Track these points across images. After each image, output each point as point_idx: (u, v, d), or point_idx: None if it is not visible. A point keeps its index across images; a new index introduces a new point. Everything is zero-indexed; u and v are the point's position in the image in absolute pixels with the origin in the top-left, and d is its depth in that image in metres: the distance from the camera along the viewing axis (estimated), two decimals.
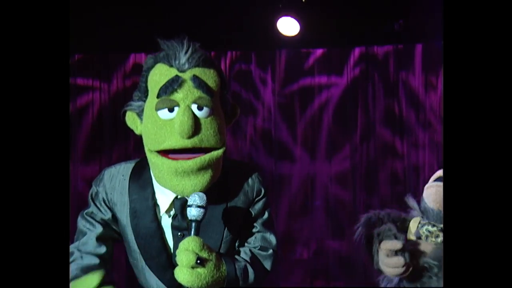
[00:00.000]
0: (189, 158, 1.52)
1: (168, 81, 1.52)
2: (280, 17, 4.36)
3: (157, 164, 1.55)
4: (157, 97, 1.53)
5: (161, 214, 1.64)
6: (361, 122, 4.97)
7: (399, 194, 4.65)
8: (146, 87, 1.59)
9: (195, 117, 1.51)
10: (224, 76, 1.63)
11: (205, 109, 1.54)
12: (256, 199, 1.70)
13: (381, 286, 1.76)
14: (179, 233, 1.62)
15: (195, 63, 1.55)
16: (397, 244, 1.57)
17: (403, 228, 1.80)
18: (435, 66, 4.80)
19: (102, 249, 1.66)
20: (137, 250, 1.65)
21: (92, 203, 1.69)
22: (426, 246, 1.65)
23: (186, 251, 1.46)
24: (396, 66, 4.92)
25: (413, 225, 1.77)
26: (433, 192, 1.67)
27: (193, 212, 1.50)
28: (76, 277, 1.55)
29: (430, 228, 1.67)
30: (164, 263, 1.64)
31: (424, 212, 1.70)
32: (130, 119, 1.63)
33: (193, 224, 1.51)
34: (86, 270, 1.60)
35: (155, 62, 1.58)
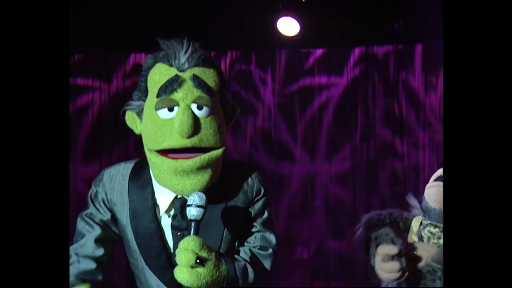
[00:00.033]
0: (188, 158, 1.52)
1: (168, 81, 1.52)
2: (280, 17, 4.36)
3: (156, 163, 1.55)
4: (157, 96, 1.53)
5: (160, 214, 1.64)
6: (361, 122, 4.97)
7: (399, 194, 4.67)
8: (146, 86, 1.59)
9: (194, 117, 1.51)
10: (223, 76, 1.63)
11: (205, 109, 1.54)
12: (255, 199, 1.70)
13: (382, 286, 1.76)
14: (178, 233, 1.62)
15: (194, 62, 1.55)
16: (393, 249, 1.57)
17: (406, 227, 1.80)
18: (435, 66, 4.80)
19: (100, 252, 1.66)
20: (137, 250, 1.65)
21: (91, 204, 1.69)
22: (428, 249, 1.65)
23: (186, 250, 1.46)
24: (396, 66, 4.92)
25: (415, 224, 1.76)
26: (434, 192, 1.66)
27: (192, 212, 1.50)
28: (71, 285, 1.55)
29: (432, 229, 1.67)
30: (164, 263, 1.64)
31: (426, 211, 1.70)
32: (130, 118, 1.63)
33: (193, 224, 1.51)
34: (83, 275, 1.60)
35: (155, 62, 1.58)
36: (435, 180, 1.71)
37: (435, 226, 1.66)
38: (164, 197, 1.63)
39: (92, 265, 1.64)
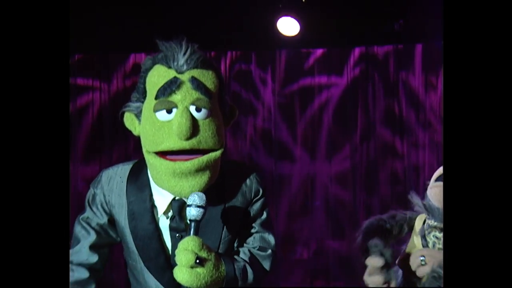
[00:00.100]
0: (187, 160, 1.52)
1: (166, 83, 1.52)
2: (280, 17, 4.36)
3: (155, 165, 1.55)
4: (155, 98, 1.53)
5: (159, 216, 1.64)
6: (361, 122, 4.96)
7: (399, 194, 4.68)
8: (144, 88, 1.59)
9: (193, 119, 1.51)
10: (222, 78, 1.63)
11: (203, 111, 1.53)
12: (254, 200, 1.70)
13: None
14: (177, 235, 1.62)
15: (193, 64, 1.54)
16: (378, 262, 1.57)
17: (410, 228, 1.79)
18: (435, 66, 4.80)
19: (94, 258, 1.66)
20: (136, 252, 1.65)
21: (88, 207, 1.69)
22: (433, 255, 1.64)
23: (186, 250, 1.46)
24: (396, 66, 4.92)
25: (418, 223, 1.76)
26: (437, 192, 1.66)
27: (192, 212, 1.50)
28: None
29: (437, 234, 1.66)
30: (163, 264, 1.64)
31: (429, 210, 1.69)
32: (128, 120, 1.63)
33: (193, 224, 1.50)
34: (75, 285, 1.61)
35: (154, 63, 1.58)
36: (437, 179, 1.71)
37: (441, 230, 1.65)
38: (162, 199, 1.63)
39: (85, 274, 1.64)
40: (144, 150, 1.59)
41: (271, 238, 1.73)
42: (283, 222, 4.95)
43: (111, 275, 4.35)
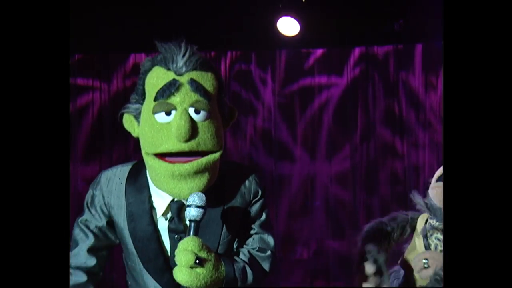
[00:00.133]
0: (186, 162, 1.52)
1: (165, 85, 1.52)
2: (280, 17, 4.36)
3: (154, 167, 1.55)
4: (154, 100, 1.53)
5: (157, 217, 1.63)
6: (361, 122, 4.97)
7: (399, 194, 4.68)
8: (143, 90, 1.58)
9: (192, 121, 1.51)
10: (221, 79, 1.62)
11: (202, 113, 1.53)
12: (253, 201, 1.69)
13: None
14: (175, 236, 1.62)
15: (192, 66, 1.54)
16: (370, 269, 1.58)
17: (412, 228, 1.80)
18: (435, 66, 4.80)
19: (92, 262, 1.66)
20: (135, 253, 1.65)
21: (86, 209, 1.69)
22: (435, 257, 1.64)
23: (185, 251, 1.46)
24: (396, 66, 4.92)
25: (420, 223, 1.76)
26: (439, 192, 1.66)
27: (192, 212, 1.50)
28: None
29: (439, 236, 1.66)
30: (162, 265, 1.64)
31: (431, 210, 1.69)
32: (128, 121, 1.63)
33: (192, 225, 1.50)
34: None
35: (153, 65, 1.57)
36: (438, 179, 1.71)
37: (442, 232, 1.66)
38: (161, 200, 1.62)
39: (83, 277, 1.64)
40: (143, 151, 1.58)
41: (270, 239, 1.73)
42: (283, 222, 4.95)
43: (111, 276, 4.35)
